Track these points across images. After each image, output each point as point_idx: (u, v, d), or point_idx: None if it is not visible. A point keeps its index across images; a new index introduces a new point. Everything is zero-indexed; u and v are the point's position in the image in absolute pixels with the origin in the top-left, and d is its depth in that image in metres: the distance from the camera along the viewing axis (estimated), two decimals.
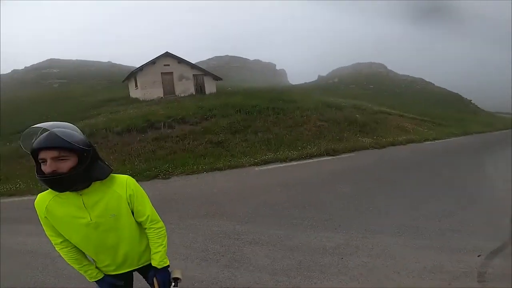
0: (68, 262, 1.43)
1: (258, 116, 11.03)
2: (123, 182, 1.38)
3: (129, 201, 1.38)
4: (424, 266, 2.99)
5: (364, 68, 46.35)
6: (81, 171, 1.20)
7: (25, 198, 6.18)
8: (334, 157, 8.45)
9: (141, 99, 18.32)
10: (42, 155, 1.16)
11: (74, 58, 51.24)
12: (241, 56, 67.06)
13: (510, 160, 8.12)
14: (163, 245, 1.46)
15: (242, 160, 7.79)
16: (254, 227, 4.00)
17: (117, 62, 53.23)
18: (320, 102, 13.90)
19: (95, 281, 1.48)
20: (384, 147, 9.92)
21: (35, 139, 1.16)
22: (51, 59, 49.94)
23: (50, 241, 1.39)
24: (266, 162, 7.64)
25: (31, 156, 1.20)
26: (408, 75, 44.36)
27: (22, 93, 25.21)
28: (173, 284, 1.45)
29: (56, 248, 1.39)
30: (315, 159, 8.17)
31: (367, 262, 3.04)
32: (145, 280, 1.55)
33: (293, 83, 47.73)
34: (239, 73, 51.50)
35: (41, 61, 48.76)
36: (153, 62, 19.44)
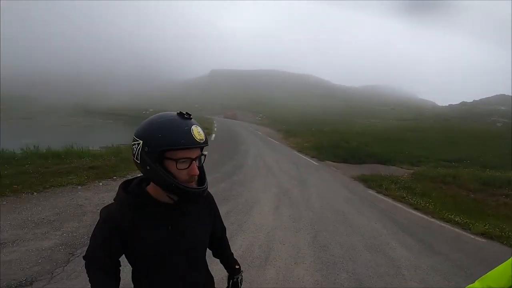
0: None
1: None
2: None
3: None
4: None
5: None
6: None
7: (427, 217, 6.52)
8: None
9: None
10: None
11: None
12: None
13: None
14: None
15: None
16: None
17: None
18: None
19: None
20: None
21: None
22: (501, 94, 47.50)
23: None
24: None
25: None
26: None
27: (467, 125, 26.95)
28: None
29: None
30: None
31: None
32: None
33: None
34: None
35: (491, 95, 48.19)
36: None
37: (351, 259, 3.88)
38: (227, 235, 1.40)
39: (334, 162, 12.72)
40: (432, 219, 6.45)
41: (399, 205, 7.37)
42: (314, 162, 12.41)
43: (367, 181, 9.43)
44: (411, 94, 76.15)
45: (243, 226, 4.56)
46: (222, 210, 1.47)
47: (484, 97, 50.29)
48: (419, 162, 12.46)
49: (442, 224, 6.16)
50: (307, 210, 5.82)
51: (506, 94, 48.45)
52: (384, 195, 8.16)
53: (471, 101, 50.40)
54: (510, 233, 5.52)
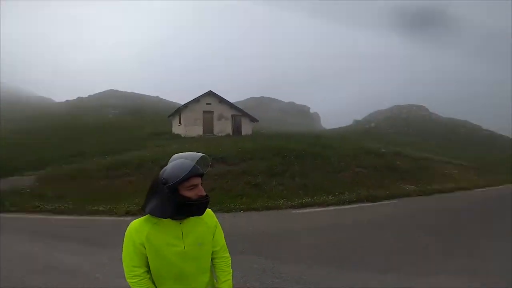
0: None
1: (295, 161, 11.09)
2: (211, 213, 1.47)
3: (214, 231, 1.46)
4: None
5: (403, 111, 44.87)
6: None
7: (73, 217, 6.59)
8: (374, 203, 8.17)
9: (182, 136, 19.56)
10: (195, 181, 1.27)
11: (129, 91, 57.32)
12: (276, 98, 69.95)
13: None
14: (231, 274, 1.52)
15: (279, 202, 7.85)
16: (295, 267, 3.96)
17: (164, 98, 58.47)
18: (358, 148, 13.66)
19: None
20: (430, 194, 9.41)
21: (194, 166, 1.27)
22: (110, 89, 56.32)
23: (126, 271, 1.34)
24: (303, 206, 7.66)
25: (163, 183, 1.25)
26: (453, 118, 42.12)
27: (84, 119, 28.43)
28: None
29: (130, 280, 1.34)
30: (354, 205, 7.97)
31: None
32: None
33: (327, 127, 47.67)
34: (273, 115, 53.07)
35: (102, 90, 55.29)
36: (197, 100, 20.90)
37: None
38: None
39: None
40: (78, 217, 6.47)
41: (40, 216, 6.72)
42: None
43: None
44: (29, 92, 64.64)
45: None
46: None
47: (97, 91, 56.30)
48: (44, 165, 11.27)
49: (93, 218, 6.37)
50: None
51: (114, 89, 57.83)
52: (15, 212, 6.88)
53: (87, 96, 54.64)
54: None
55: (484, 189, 11.20)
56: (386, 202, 8.31)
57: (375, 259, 4.28)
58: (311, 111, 71.30)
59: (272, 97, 70.31)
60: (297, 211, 7.26)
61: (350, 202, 8.10)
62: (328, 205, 7.84)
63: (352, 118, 48.98)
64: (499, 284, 3.44)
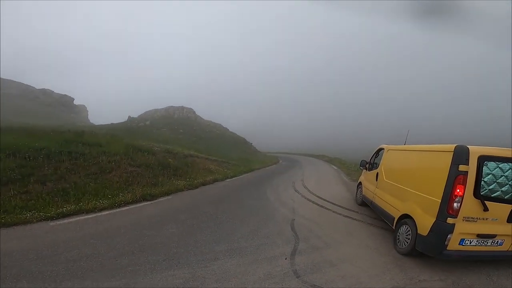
0: None
1: (46, 162, 8.62)
2: None
3: None
4: (259, 276, 3.95)
5: (176, 112, 48.81)
6: None
7: None
8: (152, 201, 8.27)
9: None
10: None
11: None
12: (21, 81, 50.73)
13: (272, 187, 12.00)
14: None
15: (24, 215, 6.10)
16: (78, 284, 3.58)
17: None
18: (130, 146, 13.06)
19: None
20: (197, 187, 10.92)
21: None
22: None
23: None
24: (65, 215, 6.38)
25: None
26: (211, 121, 50.74)
27: None
28: None
29: None
30: (132, 206, 7.65)
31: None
32: None
33: (97, 123, 41.64)
34: (16, 103, 38.49)
35: None
36: None
37: None
38: None
39: None
40: None
41: None
42: None
43: None
44: None
45: None
46: None
47: None
48: None
49: None
50: None
51: None
52: None
53: None
54: None
55: (231, 178, 14.35)
56: (162, 199, 8.67)
57: (168, 256, 4.63)
58: (76, 102, 58.94)
59: (13, 79, 50.23)
60: (58, 222, 6.01)
61: (126, 204, 7.64)
62: (101, 210, 6.98)
63: (127, 115, 46.07)
64: None
